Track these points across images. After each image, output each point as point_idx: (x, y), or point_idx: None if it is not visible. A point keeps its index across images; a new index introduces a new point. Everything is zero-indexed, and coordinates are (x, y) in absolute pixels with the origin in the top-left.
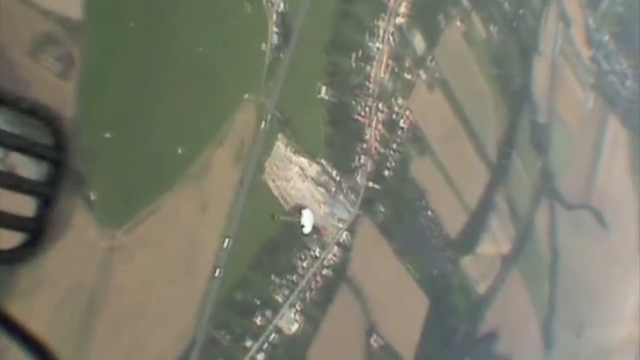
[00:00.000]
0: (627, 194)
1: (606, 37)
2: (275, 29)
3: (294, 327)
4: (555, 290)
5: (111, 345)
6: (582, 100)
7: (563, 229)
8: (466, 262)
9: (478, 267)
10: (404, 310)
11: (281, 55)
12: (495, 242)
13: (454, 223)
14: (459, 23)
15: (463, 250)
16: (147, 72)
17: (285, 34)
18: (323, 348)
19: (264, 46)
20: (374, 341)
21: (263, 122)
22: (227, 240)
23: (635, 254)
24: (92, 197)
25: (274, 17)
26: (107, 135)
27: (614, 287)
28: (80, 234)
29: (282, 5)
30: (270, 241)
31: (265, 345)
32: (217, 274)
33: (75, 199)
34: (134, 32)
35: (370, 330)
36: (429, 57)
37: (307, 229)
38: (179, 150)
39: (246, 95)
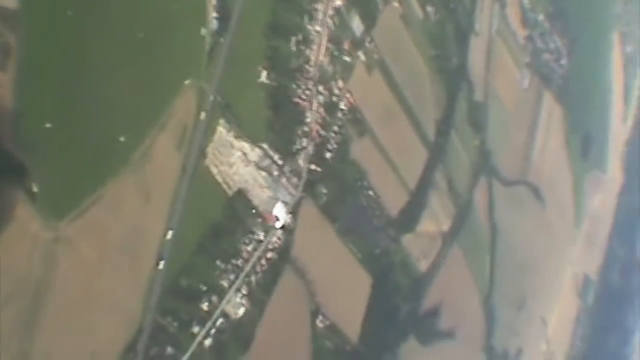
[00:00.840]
0: (562, 169)
1: (541, 17)
2: (214, 14)
3: (241, 311)
4: (495, 265)
5: (59, 335)
6: (518, 79)
7: (501, 205)
8: (407, 240)
9: (419, 245)
10: (348, 290)
11: (221, 40)
12: (435, 220)
13: (394, 202)
14: (396, 4)
15: (404, 228)
16: (86, 60)
17: (224, 18)
18: (269, 331)
19: (203, 31)
20: (319, 322)
21: (204, 108)
22: (169, 232)
23: (571, 227)
24: (34, 189)
25: (213, 1)
26: (48, 125)
27: (552, 260)
28: (23, 227)
29: None
30: (214, 226)
31: (213, 330)
32: (160, 266)
33: (17, 192)
34: (71, 21)
35: (316, 311)
36: (368, 39)
37: (279, 223)
38: (121, 139)
39: (187, 81)
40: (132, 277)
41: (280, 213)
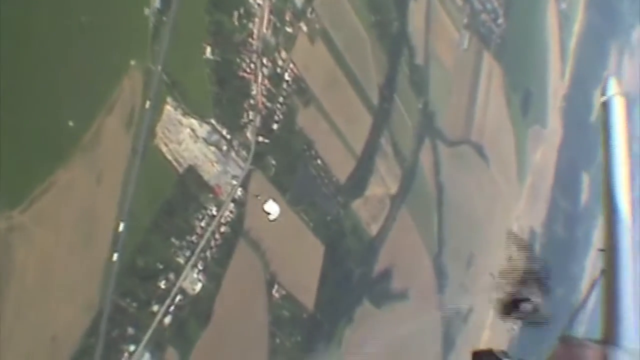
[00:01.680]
0: (504, 127)
1: None
2: None
3: (198, 286)
4: (443, 224)
5: (18, 324)
6: (457, 40)
7: (446, 165)
8: (357, 205)
9: (368, 209)
10: (301, 259)
11: (164, 18)
12: (383, 184)
13: (342, 169)
14: None
15: (353, 194)
16: (30, 45)
17: None
18: (227, 304)
19: (146, 11)
20: (275, 292)
21: (151, 88)
22: (121, 224)
23: (515, 183)
24: None
25: None
26: None
27: (498, 216)
28: None
29: None
30: (167, 204)
31: (172, 307)
32: (114, 258)
33: None
34: (11, 5)
35: (271, 281)
36: (309, 9)
37: (272, 216)
38: (70, 123)
39: (132, 62)
40: (88, 261)
41: (273, 208)
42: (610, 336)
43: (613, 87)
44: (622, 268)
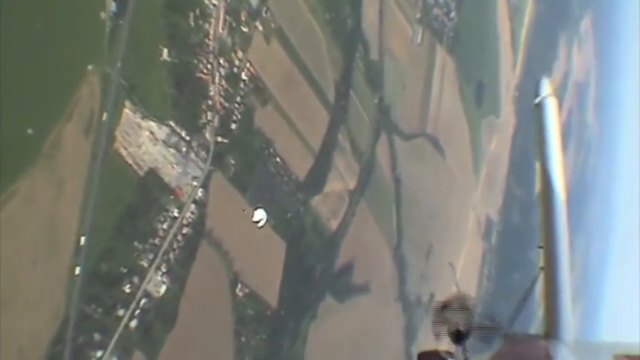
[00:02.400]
0: (458, 119)
1: None
2: None
3: (162, 289)
4: (401, 217)
5: None
6: (411, 35)
7: (403, 158)
8: (316, 201)
9: (328, 205)
10: (263, 257)
11: (120, 22)
12: (341, 179)
13: (301, 166)
14: None
15: (312, 191)
16: None
17: (122, 0)
18: (191, 305)
19: (102, 15)
20: (239, 290)
21: (109, 92)
22: (82, 238)
23: (471, 174)
24: None
25: None
26: None
27: (455, 206)
28: None
29: None
30: (128, 208)
31: (137, 311)
32: (77, 272)
33: None
34: None
35: (234, 280)
36: (264, 9)
37: (261, 223)
38: (29, 131)
39: (90, 67)
40: (52, 269)
41: (260, 215)
42: (551, 330)
43: (546, 89)
44: (561, 265)
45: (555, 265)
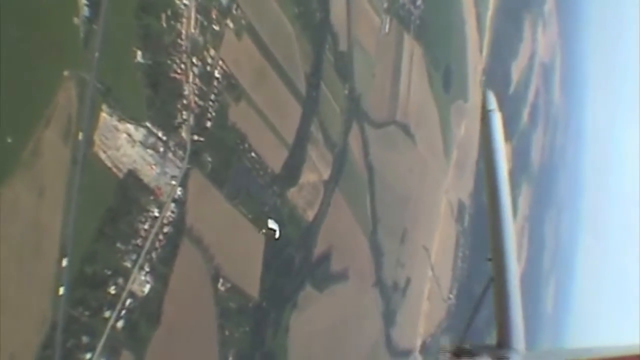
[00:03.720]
0: (427, 105)
1: None
2: (84, 1)
3: (146, 288)
4: (375, 204)
5: None
6: (379, 25)
7: (375, 146)
8: (292, 193)
9: (304, 196)
10: (243, 251)
11: (94, 26)
12: (315, 170)
13: (276, 159)
14: None
15: (288, 183)
16: None
17: (94, 4)
18: (175, 301)
19: (76, 20)
20: (220, 285)
21: (86, 97)
22: (64, 259)
23: (442, 158)
24: None
25: None
26: None
27: (427, 191)
28: None
29: None
30: (110, 211)
31: (123, 312)
32: (61, 292)
33: None
34: None
35: (216, 275)
36: (234, 6)
37: (278, 233)
38: (8, 140)
39: (65, 72)
40: (38, 275)
41: (274, 226)
42: (504, 340)
43: (491, 103)
44: (510, 275)
45: (505, 276)
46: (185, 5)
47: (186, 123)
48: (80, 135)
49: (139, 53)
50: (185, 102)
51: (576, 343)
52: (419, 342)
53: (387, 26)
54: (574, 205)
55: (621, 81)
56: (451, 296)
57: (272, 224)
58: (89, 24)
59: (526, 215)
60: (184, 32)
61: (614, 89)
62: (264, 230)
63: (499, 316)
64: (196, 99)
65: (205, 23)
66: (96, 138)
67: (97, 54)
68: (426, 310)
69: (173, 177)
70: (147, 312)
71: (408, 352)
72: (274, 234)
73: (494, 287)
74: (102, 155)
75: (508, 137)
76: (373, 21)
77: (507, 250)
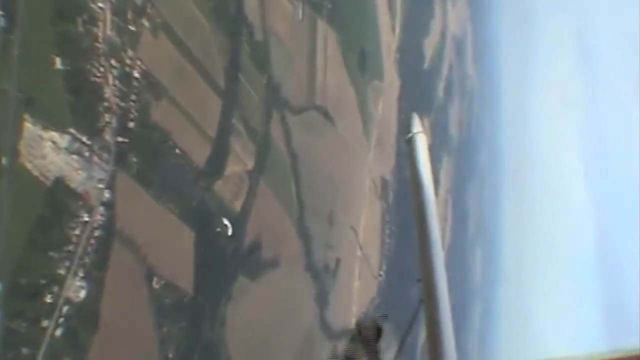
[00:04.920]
0: (344, 87)
1: None
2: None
3: (82, 293)
4: (300, 190)
5: None
6: (292, 12)
7: (296, 132)
8: (219, 186)
9: (230, 188)
10: (175, 248)
11: (12, 37)
12: (240, 161)
13: (200, 154)
14: None
15: (213, 176)
16: None
17: (10, 15)
18: (112, 304)
19: None
20: (155, 283)
21: (8, 108)
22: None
23: (363, 139)
24: None
25: None
26: None
27: (351, 171)
28: None
29: None
30: (40, 219)
31: (61, 319)
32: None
33: None
34: None
35: (149, 274)
36: (148, 5)
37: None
38: None
39: None
40: None
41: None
42: None
43: (416, 126)
44: (441, 297)
45: (435, 297)
46: (100, 8)
47: (109, 125)
48: (5, 147)
49: (58, 60)
50: (106, 104)
51: (507, 311)
52: (353, 321)
53: (300, 12)
54: (496, 175)
55: (534, 49)
56: (381, 273)
57: (225, 221)
58: (5, 35)
59: (448, 188)
60: (100, 35)
61: (527, 58)
62: (218, 229)
63: (429, 338)
64: (117, 100)
65: (122, 24)
66: (22, 148)
67: (16, 64)
68: (358, 288)
69: (100, 180)
70: (85, 318)
71: (343, 332)
72: (227, 231)
73: (425, 308)
74: (29, 165)
75: (426, 114)
76: (286, 9)
77: (436, 271)
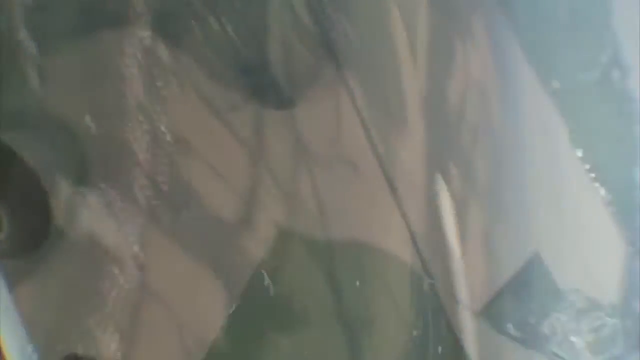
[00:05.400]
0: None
1: None
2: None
3: (118, 355)
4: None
5: None
6: None
7: (323, 183)
8: (249, 240)
9: (256, 239)
10: (206, 304)
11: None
12: (270, 214)
13: (229, 207)
14: None
15: (244, 231)
16: None
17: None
18: None
19: None
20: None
21: None
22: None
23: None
24: None
25: None
26: None
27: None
28: None
29: None
30: (72, 279)
31: None
32: None
33: None
34: None
35: (180, 331)
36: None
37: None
38: None
39: None
40: None
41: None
42: None
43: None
44: None
45: None
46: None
47: (138, 180)
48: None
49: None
50: (135, 159)
51: None
52: None
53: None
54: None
55: None
56: None
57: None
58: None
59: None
60: (128, 92)
61: None
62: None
63: None
64: (146, 155)
65: (149, 81)
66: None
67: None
68: None
69: (130, 234)
70: None
71: None
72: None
73: None
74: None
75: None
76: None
77: None
